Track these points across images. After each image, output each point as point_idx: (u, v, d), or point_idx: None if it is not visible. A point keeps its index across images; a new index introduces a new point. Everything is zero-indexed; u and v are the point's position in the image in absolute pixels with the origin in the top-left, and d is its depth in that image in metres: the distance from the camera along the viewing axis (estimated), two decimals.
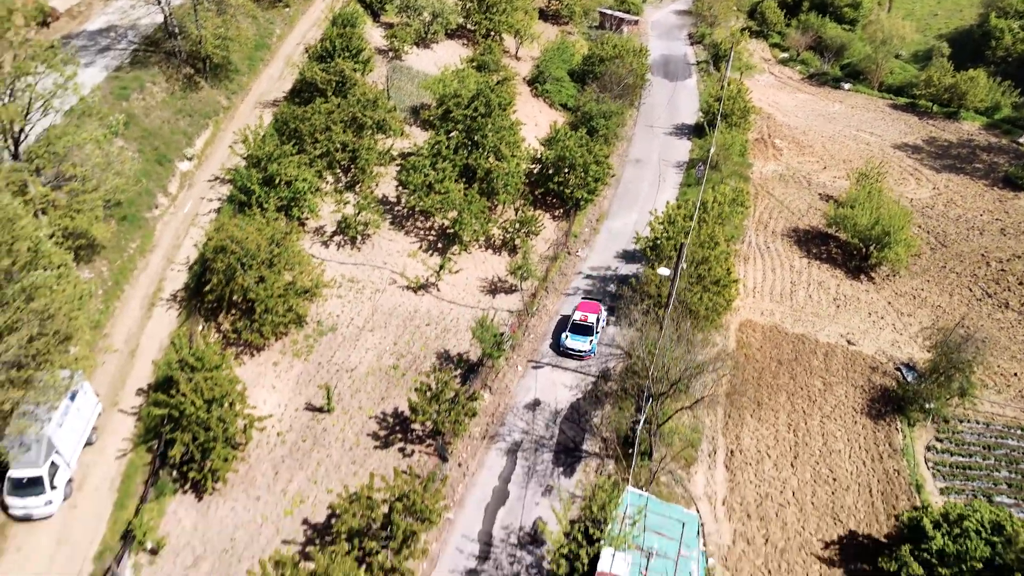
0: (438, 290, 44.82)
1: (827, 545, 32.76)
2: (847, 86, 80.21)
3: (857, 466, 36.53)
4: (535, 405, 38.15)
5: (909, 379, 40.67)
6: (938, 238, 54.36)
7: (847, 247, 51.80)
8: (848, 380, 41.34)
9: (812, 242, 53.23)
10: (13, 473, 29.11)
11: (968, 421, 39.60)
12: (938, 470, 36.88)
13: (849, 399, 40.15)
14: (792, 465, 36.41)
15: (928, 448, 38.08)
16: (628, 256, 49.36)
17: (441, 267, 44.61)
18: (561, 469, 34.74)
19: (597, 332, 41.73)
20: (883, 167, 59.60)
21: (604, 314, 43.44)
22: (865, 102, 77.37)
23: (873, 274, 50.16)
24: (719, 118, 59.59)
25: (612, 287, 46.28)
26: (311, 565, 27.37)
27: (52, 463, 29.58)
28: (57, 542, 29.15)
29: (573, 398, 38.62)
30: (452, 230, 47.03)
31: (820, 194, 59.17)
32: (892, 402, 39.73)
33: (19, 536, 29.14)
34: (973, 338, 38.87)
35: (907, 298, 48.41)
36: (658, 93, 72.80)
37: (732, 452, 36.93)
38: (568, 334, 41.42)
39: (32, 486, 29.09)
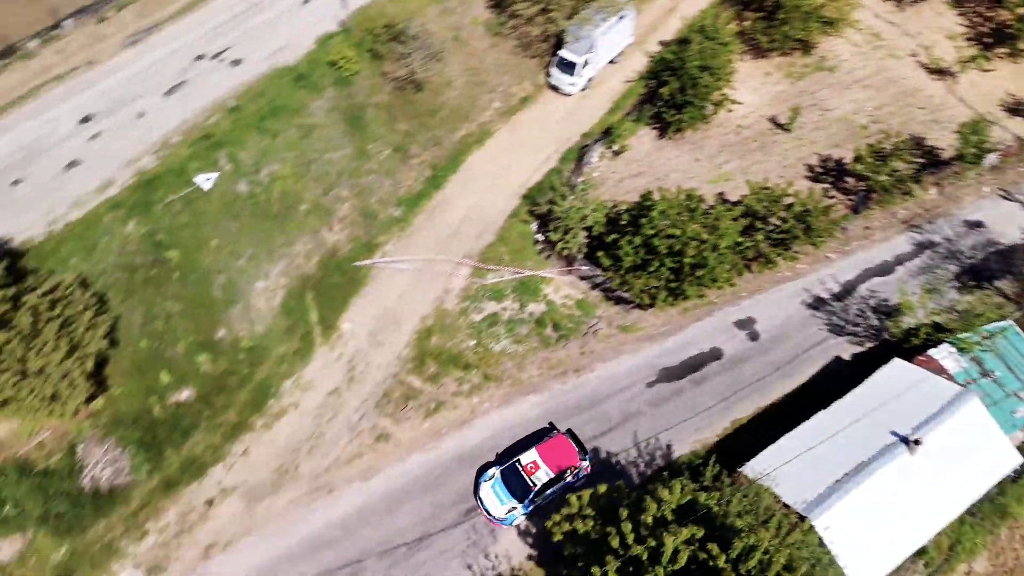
0: (955, 83, 42.10)
1: None
2: None
3: None
4: (976, 226, 36.57)
5: None
6: None
7: None
8: None
9: None
10: (562, 53, 40.06)
11: None
12: None
13: None
14: None
15: None
16: None
17: (971, 59, 41.30)
18: (959, 285, 34.33)
19: (536, 502, 25.58)
20: None
21: (583, 467, 26.51)
22: None
23: None
24: None
25: None
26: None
27: (586, 59, 39.76)
28: (565, 113, 40.57)
29: None
30: (1013, 31, 41.91)
31: None
32: None
33: (548, 97, 41.17)
34: None
35: None
36: None
37: None
38: (494, 480, 25.85)
39: (569, 67, 39.87)
